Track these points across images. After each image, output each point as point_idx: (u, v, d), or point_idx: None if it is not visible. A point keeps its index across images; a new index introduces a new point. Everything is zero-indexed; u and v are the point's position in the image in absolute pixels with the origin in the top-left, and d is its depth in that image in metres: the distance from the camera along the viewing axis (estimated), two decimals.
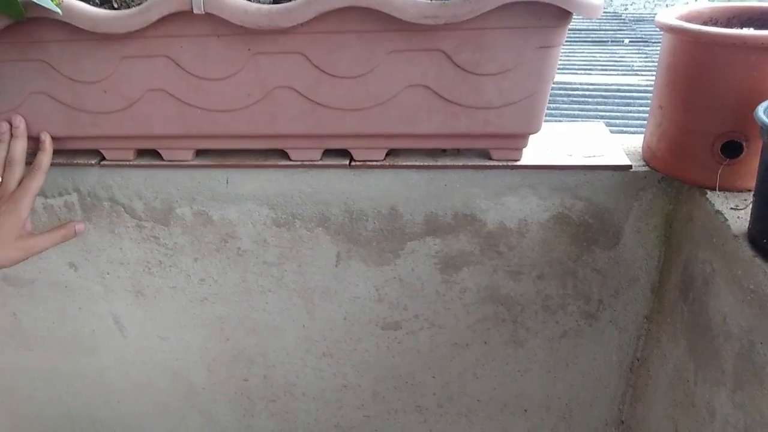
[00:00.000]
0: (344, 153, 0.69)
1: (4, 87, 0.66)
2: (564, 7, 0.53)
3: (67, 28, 0.60)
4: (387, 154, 0.68)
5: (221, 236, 0.78)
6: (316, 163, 0.69)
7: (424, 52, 0.59)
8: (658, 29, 0.60)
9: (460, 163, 0.67)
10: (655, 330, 0.74)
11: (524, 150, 0.67)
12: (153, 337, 0.91)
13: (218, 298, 0.84)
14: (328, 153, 0.70)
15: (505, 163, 0.67)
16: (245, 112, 0.65)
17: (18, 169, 0.66)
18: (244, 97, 0.64)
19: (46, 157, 0.67)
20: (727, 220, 0.55)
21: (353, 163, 0.69)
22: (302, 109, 0.64)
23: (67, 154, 0.75)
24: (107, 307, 0.89)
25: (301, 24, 0.57)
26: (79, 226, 0.72)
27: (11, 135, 0.67)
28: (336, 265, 0.78)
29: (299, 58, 0.61)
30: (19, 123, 0.67)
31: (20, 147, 0.67)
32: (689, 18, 0.62)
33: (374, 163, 0.68)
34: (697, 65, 0.57)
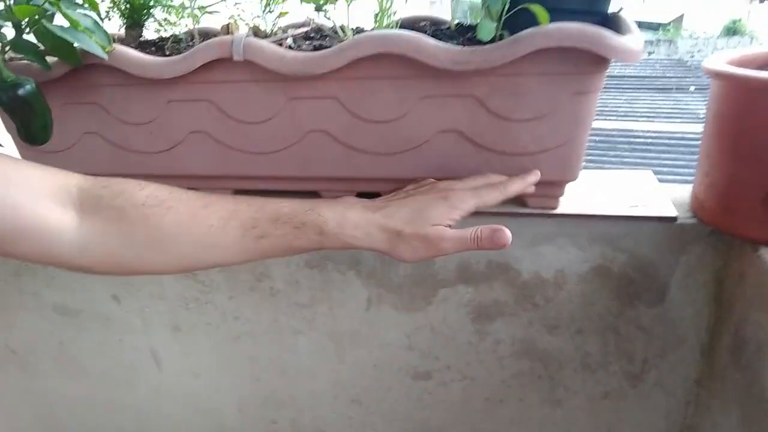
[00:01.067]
0: (377, 196, 0.69)
1: (63, 127, 0.71)
2: (600, 53, 0.52)
3: (119, 73, 0.64)
4: None
5: (255, 275, 0.79)
6: None
7: (456, 98, 0.59)
8: None
9: (494, 210, 0.65)
10: (705, 396, 0.67)
11: (562, 198, 0.65)
12: (187, 373, 0.92)
13: (251, 337, 0.85)
14: (360, 196, 0.69)
15: (540, 211, 0.65)
16: (281, 154, 0.67)
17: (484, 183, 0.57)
18: (280, 141, 0.66)
19: (515, 185, 0.56)
20: None
21: None
22: (335, 152, 0.65)
23: None
24: (146, 341, 0.91)
25: (335, 70, 0.58)
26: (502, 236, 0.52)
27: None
28: (367, 310, 0.77)
29: (333, 103, 0.62)
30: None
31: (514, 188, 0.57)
32: (741, 63, 0.59)
33: None
34: (748, 112, 0.53)
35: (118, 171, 0.73)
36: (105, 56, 0.58)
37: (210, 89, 0.65)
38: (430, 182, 0.59)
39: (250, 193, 0.73)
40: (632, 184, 0.70)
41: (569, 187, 0.64)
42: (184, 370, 0.91)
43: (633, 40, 0.54)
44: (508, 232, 0.51)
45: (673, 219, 0.62)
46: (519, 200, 0.66)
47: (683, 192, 0.69)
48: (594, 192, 0.68)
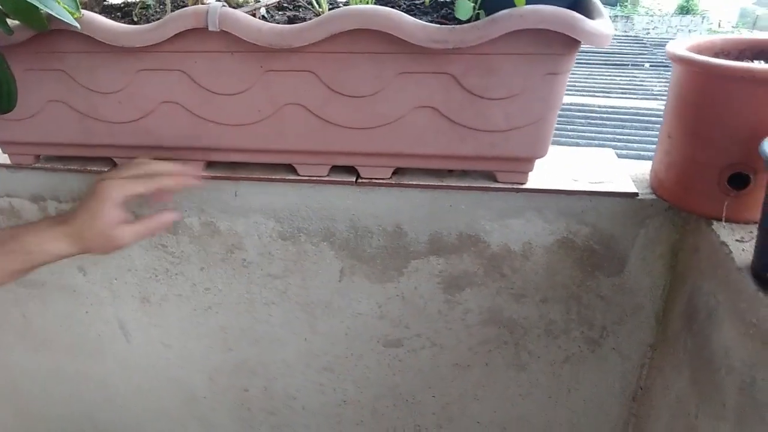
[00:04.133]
0: (351, 170, 0.70)
1: (25, 94, 0.68)
2: (572, 35, 0.54)
3: (86, 40, 0.62)
4: (393, 173, 0.69)
5: (227, 247, 0.79)
6: (323, 178, 0.70)
7: (432, 75, 0.60)
8: None
9: (466, 184, 0.68)
10: (659, 359, 0.73)
11: (530, 173, 0.67)
12: (157, 344, 0.92)
13: (222, 308, 0.85)
14: (335, 169, 0.70)
15: (510, 186, 0.67)
16: (255, 127, 0.67)
17: (143, 170, 0.64)
18: (254, 113, 0.65)
19: (166, 180, 0.64)
20: (731, 252, 0.55)
21: (360, 181, 0.69)
22: (311, 125, 0.65)
23: (81, 160, 0.77)
24: (113, 313, 0.90)
25: (313, 44, 0.58)
26: (169, 217, 0.65)
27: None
28: (339, 281, 0.78)
29: (310, 77, 0.62)
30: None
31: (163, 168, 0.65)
32: (700, 49, 0.62)
33: (380, 181, 0.69)
34: (706, 97, 0.57)
35: (86, 141, 0.71)
36: (76, 25, 0.56)
37: (182, 59, 0.63)
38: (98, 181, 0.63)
39: (222, 164, 0.73)
40: (594, 161, 0.74)
41: (537, 163, 0.67)
42: (153, 340, 0.91)
43: (604, 24, 0.56)
44: (168, 215, 0.65)
45: (634, 195, 0.65)
46: (489, 175, 0.68)
47: (641, 169, 0.72)
48: (559, 168, 0.71)
